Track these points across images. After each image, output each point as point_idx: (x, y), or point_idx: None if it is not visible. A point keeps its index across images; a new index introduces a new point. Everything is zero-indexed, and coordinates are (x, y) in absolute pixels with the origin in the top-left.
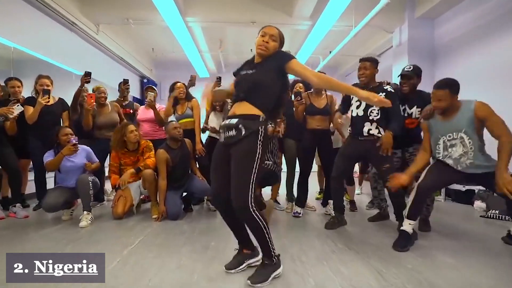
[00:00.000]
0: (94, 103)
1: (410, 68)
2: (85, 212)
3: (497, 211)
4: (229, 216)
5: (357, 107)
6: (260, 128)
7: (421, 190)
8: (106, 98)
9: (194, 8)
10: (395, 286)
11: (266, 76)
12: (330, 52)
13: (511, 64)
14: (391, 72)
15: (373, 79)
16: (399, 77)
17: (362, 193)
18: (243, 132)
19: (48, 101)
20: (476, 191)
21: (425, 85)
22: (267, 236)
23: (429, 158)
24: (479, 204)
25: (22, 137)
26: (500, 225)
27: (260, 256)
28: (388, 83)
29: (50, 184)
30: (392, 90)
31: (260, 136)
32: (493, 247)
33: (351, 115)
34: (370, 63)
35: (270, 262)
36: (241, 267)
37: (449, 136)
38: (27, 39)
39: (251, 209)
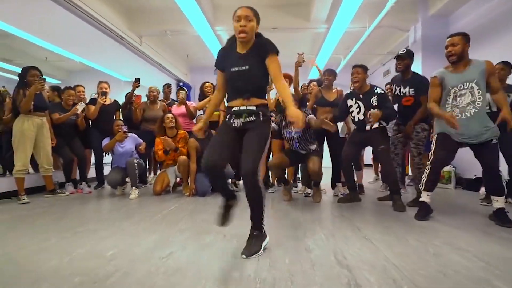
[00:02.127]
0: (141, 103)
1: (404, 50)
2: (133, 188)
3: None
4: (221, 182)
5: (358, 113)
6: (270, 115)
7: (435, 165)
8: (156, 96)
9: (222, 18)
10: (364, 235)
11: (260, 72)
12: (350, 51)
13: None
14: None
15: (365, 82)
16: (395, 58)
17: (378, 179)
18: (261, 118)
19: (105, 101)
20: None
21: None
22: (263, 207)
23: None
24: (483, 190)
25: (86, 131)
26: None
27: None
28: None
29: (106, 170)
30: (383, 91)
31: (270, 122)
32: (467, 215)
33: (353, 119)
34: (361, 69)
35: (259, 233)
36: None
37: (460, 87)
38: (86, 52)
39: (258, 177)
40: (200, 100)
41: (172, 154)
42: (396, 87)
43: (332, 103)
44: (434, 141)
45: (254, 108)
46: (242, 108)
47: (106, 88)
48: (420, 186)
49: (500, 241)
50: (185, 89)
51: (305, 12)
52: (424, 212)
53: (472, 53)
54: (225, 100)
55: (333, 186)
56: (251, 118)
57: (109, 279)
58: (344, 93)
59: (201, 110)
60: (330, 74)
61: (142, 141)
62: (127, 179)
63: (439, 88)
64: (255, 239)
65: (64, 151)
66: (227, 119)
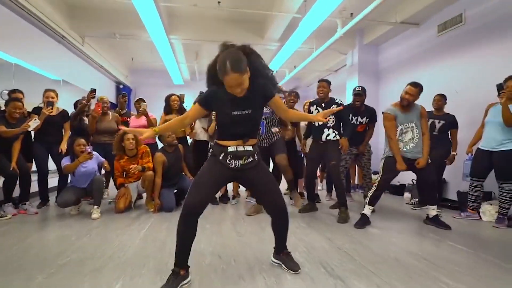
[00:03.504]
0: (101, 112)
1: (360, 88)
2: (95, 206)
3: (416, 199)
4: (193, 230)
5: None
6: None
7: (383, 183)
8: (108, 107)
9: (177, 27)
10: (339, 246)
11: (260, 115)
12: (295, 66)
13: (438, 86)
14: (345, 86)
15: (327, 95)
16: (353, 95)
17: (323, 188)
18: (256, 158)
19: (51, 112)
20: (406, 185)
21: (371, 100)
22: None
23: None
24: (407, 195)
25: (28, 143)
26: (412, 208)
27: (189, 278)
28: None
29: (50, 184)
30: (341, 102)
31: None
32: (408, 220)
33: (313, 124)
34: (326, 83)
35: (287, 250)
36: None
37: (405, 125)
38: (23, 53)
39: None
40: (165, 111)
41: (137, 174)
42: (353, 117)
43: (293, 124)
44: (383, 163)
45: (252, 149)
46: (240, 149)
47: (53, 98)
48: (366, 199)
49: (433, 241)
50: (145, 100)
51: (259, 31)
52: (362, 222)
53: (396, 78)
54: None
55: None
56: (250, 160)
57: None
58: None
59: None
60: (296, 96)
61: (103, 159)
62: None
63: (394, 123)
64: (291, 257)
65: (5, 165)
66: (220, 158)
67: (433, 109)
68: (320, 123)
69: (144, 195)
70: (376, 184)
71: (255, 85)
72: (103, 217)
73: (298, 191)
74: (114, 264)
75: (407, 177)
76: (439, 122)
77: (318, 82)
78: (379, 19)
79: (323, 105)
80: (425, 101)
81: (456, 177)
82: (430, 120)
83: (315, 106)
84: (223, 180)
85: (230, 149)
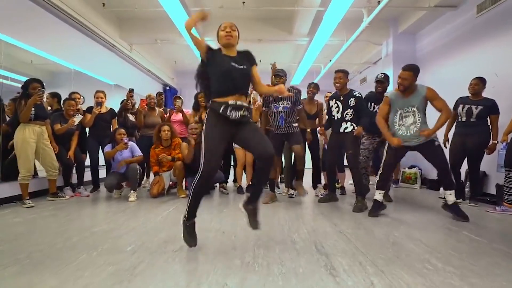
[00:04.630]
0: (145, 106)
1: (382, 75)
2: (132, 191)
3: None
4: (208, 189)
5: (337, 112)
6: None
7: (386, 167)
8: (155, 103)
9: (211, 30)
10: (341, 230)
11: (250, 73)
12: (330, 60)
13: (478, 70)
14: None
15: (345, 86)
16: (376, 81)
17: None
18: (248, 114)
19: (100, 111)
20: None
21: None
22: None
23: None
24: (442, 190)
25: (83, 137)
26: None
27: None
28: (293, 87)
29: (101, 174)
30: (360, 95)
31: None
32: (429, 212)
33: (332, 117)
34: (343, 74)
35: (256, 206)
36: None
37: (405, 110)
38: (81, 61)
39: None
40: (194, 108)
41: (168, 163)
42: (374, 105)
43: (312, 116)
44: (385, 149)
45: (247, 104)
46: (238, 102)
47: (102, 98)
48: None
49: (445, 231)
50: (181, 97)
51: (288, 26)
52: (375, 208)
53: (435, 66)
54: None
55: (315, 187)
56: (246, 113)
57: (137, 268)
58: (324, 105)
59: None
60: (315, 87)
61: (138, 152)
62: (123, 183)
63: (387, 107)
64: (256, 214)
65: (64, 156)
66: (221, 110)
67: (469, 95)
68: (339, 116)
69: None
70: (381, 169)
71: (243, 52)
72: (139, 201)
73: (341, 185)
74: (134, 233)
75: None
76: (476, 108)
77: (335, 72)
78: (412, 4)
79: (341, 98)
80: (466, 86)
81: (496, 168)
82: (467, 106)
83: (334, 100)
84: (227, 137)
85: (231, 102)
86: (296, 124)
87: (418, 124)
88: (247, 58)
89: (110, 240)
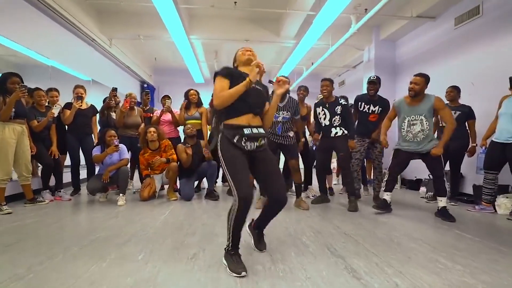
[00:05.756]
0: (128, 107)
1: (374, 77)
2: (121, 194)
3: (431, 193)
4: (248, 214)
5: (324, 119)
6: None
7: (392, 170)
8: (135, 103)
9: (197, 28)
10: (345, 231)
11: (266, 96)
12: (313, 63)
13: (455, 79)
14: (363, 82)
15: (331, 93)
16: (368, 83)
17: (338, 183)
18: (265, 142)
19: (81, 105)
20: (422, 179)
21: (388, 95)
22: None
23: (390, 124)
24: (423, 189)
25: (62, 136)
26: (426, 201)
27: None
28: (342, 97)
29: (81, 175)
30: (345, 103)
31: None
32: (419, 212)
33: (320, 124)
34: (329, 82)
35: (263, 231)
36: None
37: (413, 117)
38: (58, 55)
39: None
40: (186, 106)
41: (161, 166)
42: (365, 105)
43: (303, 117)
44: (393, 152)
45: (264, 131)
46: (254, 131)
47: (82, 93)
48: (381, 188)
49: (439, 230)
50: (170, 97)
51: (276, 28)
52: (383, 205)
53: (413, 73)
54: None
55: (305, 188)
56: (263, 142)
57: (157, 278)
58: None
59: None
60: (305, 90)
61: (125, 155)
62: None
63: (395, 112)
64: (262, 238)
65: (44, 156)
66: (235, 141)
67: (447, 102)
68: (327, 123)
69: (166, 187)
70: (387, 173)
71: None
72: (128, 204)
73: (328, 186)
74: (137, 240)
75: (423, 172)
76: (454, 113)
77: (321, 81)
78: (394, 14)
79: (327, 105)
80: (442, 94)
81: (472, 170)
82: None
83: (321, 107)
84: (246, 159)
85: (246, 131)
86: (292, 134)
87: (426, 131)
88: (262, 86)
89: (114, 249)
